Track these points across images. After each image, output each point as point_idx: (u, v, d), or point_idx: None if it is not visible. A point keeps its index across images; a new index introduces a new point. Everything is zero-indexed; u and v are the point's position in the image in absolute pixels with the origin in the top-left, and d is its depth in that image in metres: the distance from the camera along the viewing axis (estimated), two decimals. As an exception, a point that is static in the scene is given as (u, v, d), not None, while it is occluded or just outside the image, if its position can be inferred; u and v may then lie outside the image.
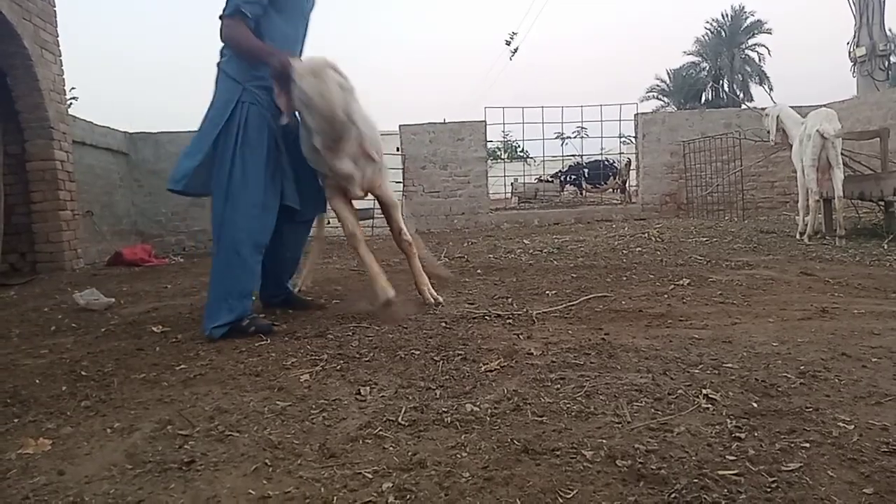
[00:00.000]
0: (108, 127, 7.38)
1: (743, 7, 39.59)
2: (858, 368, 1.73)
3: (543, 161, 12.16)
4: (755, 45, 39.70)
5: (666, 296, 3.11)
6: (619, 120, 10.55)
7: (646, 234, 6.61)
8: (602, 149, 17.12)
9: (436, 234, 8.88)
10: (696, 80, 40.92)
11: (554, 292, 3.32)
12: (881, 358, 1.80)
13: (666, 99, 41.57)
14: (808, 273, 3.66)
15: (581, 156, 16.09)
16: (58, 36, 6.28)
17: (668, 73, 41.57)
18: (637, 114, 9.75)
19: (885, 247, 4.58)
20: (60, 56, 6.29)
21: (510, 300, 3.21)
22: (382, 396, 1.73)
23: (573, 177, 15.82)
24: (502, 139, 25.21)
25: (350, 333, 2.52)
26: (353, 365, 2.07)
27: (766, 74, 39.45)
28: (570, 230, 8.36)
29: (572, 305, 2.92)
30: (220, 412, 1.70)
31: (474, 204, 9.73)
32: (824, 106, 6.86)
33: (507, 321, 2.62)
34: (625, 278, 3.80)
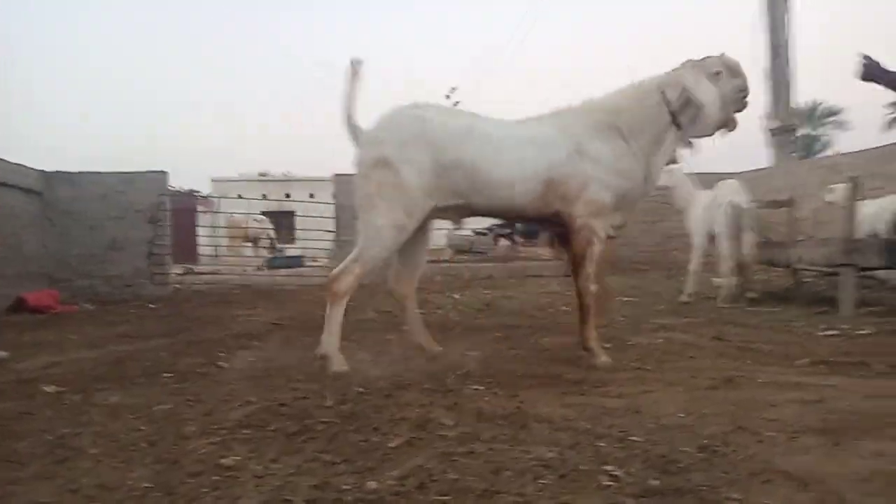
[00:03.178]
0: (21, 165, 7.02)
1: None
2: (754, 443, 1.78)
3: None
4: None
5: (586, 360, 3.15)
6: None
7: (573, 293, 6.75)
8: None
9: (367, 287, 8.77)
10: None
11: (476, 353, 3.31)
12: (775, 432, 1.86)
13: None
14: (721, 338, 3.79)
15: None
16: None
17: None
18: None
19: (787, 313, 4.82)
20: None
21: (432, 362, 3.17)
22: (283, 472, 1.65)
23: (507, 231, 16.08)
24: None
25: (257, 399, 2.41)
26: (258, 434, 1.98)
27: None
28: (501, 285, 8.45)
29: (492, 370, 2.91)
30: (104, 489, 1.58)
31: (408, 256, 9.72)
32: (734, 175, 7.31)
33: (425, 387, 2.57)
34: (548, 339, 3.84)
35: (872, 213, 5.65)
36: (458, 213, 3.10)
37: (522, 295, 6.79)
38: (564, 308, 5.46)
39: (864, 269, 4.66)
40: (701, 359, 3.16)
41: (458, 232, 16.17)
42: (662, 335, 3.97)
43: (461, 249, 14.87)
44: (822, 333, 3.85)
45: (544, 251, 14.88)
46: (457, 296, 6.88)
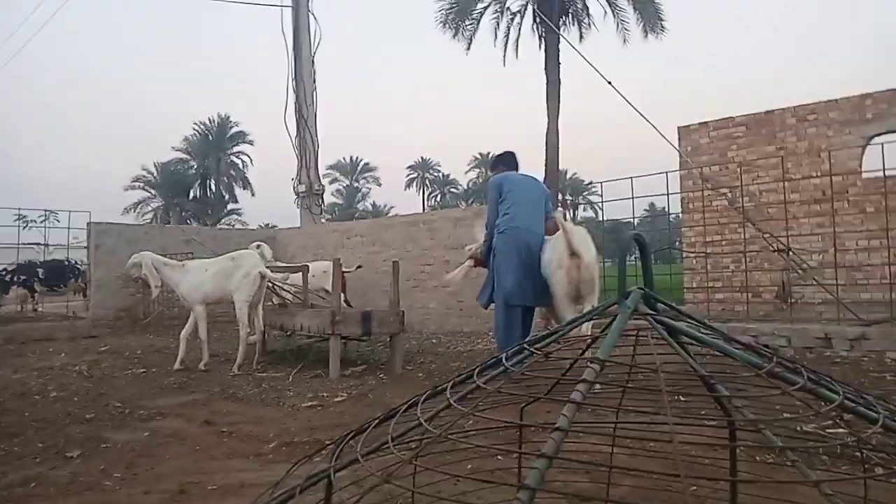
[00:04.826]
0: None
1: (228, 116, 43.06)
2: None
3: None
4: (239, 152, 43.34)
5: (34, 484, 2.73)
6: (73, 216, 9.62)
7: (77, 368, 6.00)
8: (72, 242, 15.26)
9: None
10: (185, 177, 41.80)
11: None
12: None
13: (153, 191, 40.95)
14: (210, 422, 3.82)
15: (43, 246, 13.92)
16: None
17: (155, 166, 41.19)
18: (90, 223, 9.10)
19: (290, 378, 5.26)
20: None
21: None
22: None
23: (23, 278, 13.40)
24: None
25: None
26: None
27: (248, 180, 43.19)
28: (-11, 358, 6.95)
29: None
30: None
31: None
32: (281, 232, 7.73)
33: None
34: (4, 453, 3.25)
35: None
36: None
37: (10, 374, 5.69)
38: (55, 393, 4.78)
39: (345, 337, 5.44)
40: (175, 458, 3.11)
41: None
42: (154, 424, 3.81)
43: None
44: (304, 405, 4.28)
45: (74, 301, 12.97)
46: None
